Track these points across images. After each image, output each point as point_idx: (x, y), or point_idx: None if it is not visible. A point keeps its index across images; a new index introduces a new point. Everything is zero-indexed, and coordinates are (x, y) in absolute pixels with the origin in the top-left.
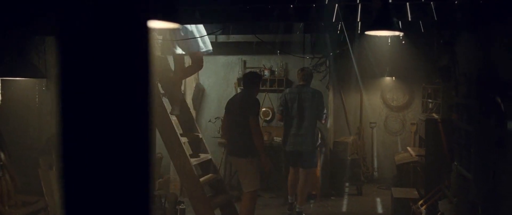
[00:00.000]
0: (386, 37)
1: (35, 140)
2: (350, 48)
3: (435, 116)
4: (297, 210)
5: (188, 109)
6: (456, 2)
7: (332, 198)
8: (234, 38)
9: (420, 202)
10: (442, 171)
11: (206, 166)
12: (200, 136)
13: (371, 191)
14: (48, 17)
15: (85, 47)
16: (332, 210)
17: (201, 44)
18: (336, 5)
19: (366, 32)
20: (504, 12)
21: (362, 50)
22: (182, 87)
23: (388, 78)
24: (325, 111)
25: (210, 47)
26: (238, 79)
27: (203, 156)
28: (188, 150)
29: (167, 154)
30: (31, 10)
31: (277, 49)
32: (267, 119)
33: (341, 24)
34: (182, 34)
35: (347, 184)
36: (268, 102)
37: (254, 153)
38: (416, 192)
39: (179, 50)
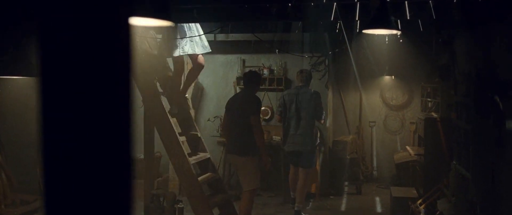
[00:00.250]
0: (385, 36)
1: (33, 138)
2: (348, 47)
3: (434, 115)
4: (295, 208)
5: (187, 107)
6: (454, 1)
7: (331, 197)
8: (233, 37)
9: (419, 201)
10: (441, 170)
11: (204, 165)
12: (199, 135)
13: (370, 190)
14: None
15: (66, 44)
16: (331, 209)
17: (200, 46)
18: (335, 4)
19: (364, 31)
20: (504, 11)
21: (361, 49)
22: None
23: (387, 77)
24: (324, 113)
25: (209, 48)
26: (237, 78)
27: (201, 155)
28: (186, 149)
29: (166, 153)
30: (30, 8)
31: (276, 48)
32: (266, 118)
33: (340, 23)
34: (179, 36)
35: (346, 183)
36: (267, 101)
37: (254, 151)
38: (415, 191)
39: (177, 52)
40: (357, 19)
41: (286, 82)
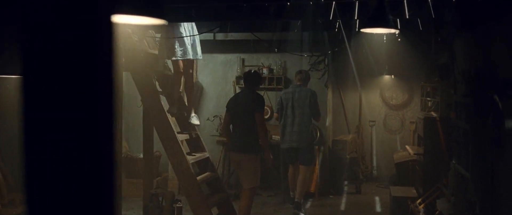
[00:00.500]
0: (384, 34)
1: None
2: (348, 46)
3: (434, 114)
4: (295, 200)
5: (186, 106)
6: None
7: (330, 196)
8: (232, 36)
9: (418, 200)
10: (440, 169)
11: (203, 165)
12: (198, 134)
13: (370, 190)
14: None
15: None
16: (331, 208)
17: (191, 52)
18: (334, 2)
19: (362, 30)
20: (503, 10)
21: (361, 49)
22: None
23: (387, 77)
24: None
25: (201, 56)
26: (237, 78)
27: (200, 154)
28: (185, 148)
29: (165, 152)
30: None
31: (275, 47)
32: (266, 117)
33: (339, 22)
34: (176, 40)
35: (346, 183)
36: (266, 101)
37: (257, 149)
38: (415, 191)
39: (174, 56)
40: (356, 18)
41: (285, 81)
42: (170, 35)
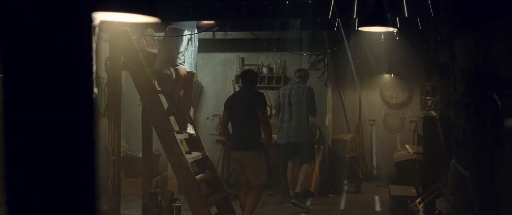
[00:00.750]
0: (385, 33)
1: None
2: (346, 45)
3: (433, 113)
4: (296, 190)
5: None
6: None
7: (330, 195)
8: (231, 35)
9: (418, 200)
10: (440, 169)
11: (202, 164)
12: (197, 133)
13: (369, 189)
14: None
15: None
16: (330, 207)
17: (188, 64)
18: (332, 1)
19: (360, 28)
20: (503, 9)
21: (361, 47)
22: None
23: (387, 76)
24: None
25: (195, 70)
26: (236, 77)
27: (199, 153)
28: (184, 147)
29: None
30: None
31: (274, 46)
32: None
33: (338, 21)
34: (177, 48)
35: (345, 182)
36: (266, 99)
37: (260, 146)
38: (414, 190)
39: (177, 63)
40: (355, 17)
41: (285, 80)
42: (172, 45)
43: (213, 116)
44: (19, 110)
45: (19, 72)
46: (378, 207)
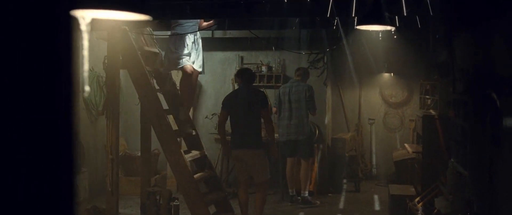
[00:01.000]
0: (384, 32)
1: None
2: (345, 44)
3: (433, 112)
4: (302, 195)
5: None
6: None
7: (329, 194)
8: (230, 34)
9: (417, 199)
10: (439, 168)
11: (201, 163)
12: (196, 132)
13: (369, 188)
14: None
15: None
16: (330, 206)
17: (195, 64)
18: (331, 0)
19: (357, 27)
20: (503, 7)
21: (360, 46)
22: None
23: (386, 75)
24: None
25: (203, 70)
26: (236, 76)
27: (198, 152)
28: (183, 146)
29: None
30: None
31: (273, 45)
32: None
33: (337, 20)
34: (181, 50)
35: (345, 181)
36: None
37: (262, 144)
38: (413, 189)
39: (179, 65)
40: (353, 15)
41: (284, 79)
42: (176, 49)
43: (212, 115)
44: None
45: None
46: (377, 206)
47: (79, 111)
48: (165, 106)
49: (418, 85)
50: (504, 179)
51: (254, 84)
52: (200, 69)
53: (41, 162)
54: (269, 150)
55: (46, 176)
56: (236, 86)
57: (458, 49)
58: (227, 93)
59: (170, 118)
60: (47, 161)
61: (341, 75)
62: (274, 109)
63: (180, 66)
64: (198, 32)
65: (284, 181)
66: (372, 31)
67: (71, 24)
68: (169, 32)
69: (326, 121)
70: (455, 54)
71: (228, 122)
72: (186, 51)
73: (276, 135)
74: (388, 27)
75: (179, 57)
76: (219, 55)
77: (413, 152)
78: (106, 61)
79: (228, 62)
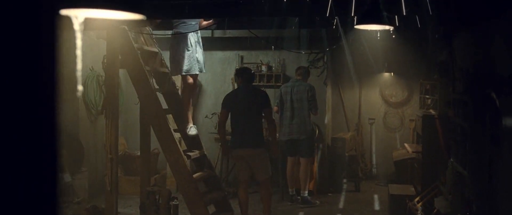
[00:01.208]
0: (382, 31)
1: None
2: (344, 43)
3: (433, 112)
4: (302, 195)
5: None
6: None
7: (329, 194)
8: (230, 33)
9: (417, 199)
10: (439, 168)
11: (200, 162)
12: (196, 132)
13: (369, 188)
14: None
15: None
16: (329, 206)
17: (197, 67)
18: None
19: (356, 26)
20: (503, 7)
21: (360, 46)
22: (178, 84)
23: (387, 74)
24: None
25: (204, 70)
26: (235, 75)
27: (198, 152)
28: (182, 146)
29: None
30: None
31: (272, 44)
32: None
33: (337, 19)
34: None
35: (344, 181)
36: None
37: (264, 143)
38: (413, 189)
39: (180, 71)
40: (352, 15)
41: (284, 78)
42: (177, 51)
43: (212, 114)
44: None
45: None
46: (377, 206)
47: (61, 111)
48: (164, 105)
49: (418, 85)
50: (503, 179)
51: (254, 83)
52: (199, 70)
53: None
54: (270, 149)
55: (28, 176)
56: (236, 86)
57: (458, 49)
58: (227, 93)
59: (170, 118)
60: (28, 161)
61: (341, 74)
62: (275, 108)
63: (184, 73)
64: (199, 32)
65: (283, 180)
66: (373, 30)
67: (55, 23)
68: (168, 32)
69: (326, 121)
70: (455, 54)
71: (228, 122)
72: (187, 53)
73: (277, 134)
74: (387, 27)
75: (181, 63)
76: (219, 54)
77: (413, 152)
78: (105, 60)
79: (228, 62)
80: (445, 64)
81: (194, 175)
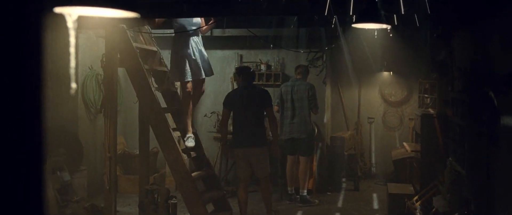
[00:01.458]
0: (382, 31)
1: None
2: (342, 42)
3: (431, 111)
4: (301, 194)
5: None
6: None
7: (328, 193)
8: (229, 32)
9: (415, 197)
10: (438, 167)
11: (199, 161)
12: (195, 131)
13: (367, 187)
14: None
15: None
16: (328, 205)
17: (202, 71)
18: None
19: (353, 25)
20: (501, 6)
21: (359, 45)
22: (177, 83)
23: (386, 73)
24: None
25: (212, 72)
26: (235, 74)
27: (196, 151)
28: (181, 145)
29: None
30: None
31: (271, 43)
32: None
33: (335, 18)
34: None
35: (344, 180)
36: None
37: (266, 141)
38: (412, 188)
39: (184, 78)
40: (351, 14)
41: (283, 77)
42: (179, 57)
43: (211, 113)
44: None
45: None
46: (376, 205)
47: (44, 110)
48: (163, 104)
49: (417, 84)
50: (501, 177)
51: (253, 82)
52: (203, 75)
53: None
54: (272, 149)
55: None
56: (235, 85)
57: (457, 48)
58: (227, 92)
59: (168, 116)
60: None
61: (340, 73)
62: (275, 108)
63: (185, 80)
64: (200, 36)
65: (282, 179)
66: (372, 29)
67: (41, 23)
68: (168, 31)
69: (325, 120)
70: (454, 53)
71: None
72: (187, 58)
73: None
74: (384, 26)
75: (182, 69)
76: (218, 53)
77: (411, 151)
78: (104, 59)
79: (227, 61)
80: (444, 63)
81: (193, 174)
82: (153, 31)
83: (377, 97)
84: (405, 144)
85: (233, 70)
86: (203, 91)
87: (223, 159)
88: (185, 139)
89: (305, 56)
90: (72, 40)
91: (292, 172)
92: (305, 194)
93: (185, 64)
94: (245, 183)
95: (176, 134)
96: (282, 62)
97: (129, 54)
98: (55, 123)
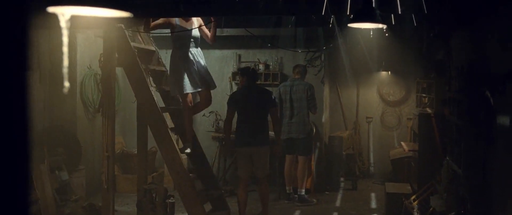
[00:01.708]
0: (378, 30)
1: None
2: (340, 42)
3: (429, 110)
4: (299, 193)
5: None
6: None
7: (326, 192)
8: (228, 32)
9: (413, 197)
10: (435, 166)
11: (197, 161)
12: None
13: (366, 186)
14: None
15: None
16: (327, 205)
17: (203, 83)
18: None
19: (349, 25)
20: (498, 5)
21: (357, 45)
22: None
23: (384, 73)
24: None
25: (214, 86)
26: (233, 74)
27: (195, 150)
28: (179, 144)
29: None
30: None
31: (269, 43)
32: None
33: (333, 18)
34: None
35: (342, 179)
36: None
37: (269, 141)
38: (410, 187)
39: (185, 90)
40: (348, 13)
41: (282, 77)
42: (177, 71)
43: (209, 113)
44: None
45: None
46: (373, 204)
47: (30, 110)
48: (161, 104)
49: (415, 83)
50: (497, 177)
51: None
52: (206, 86)
53: None
54: (274, 149)
55: None
56: (234, 84)
57: (455, 48)
58: (225, 92)
59: (166, 116)
60: None
61: (338, 73)
62: None
63: (184, 92)
64: (199, 48)
65: (281, 179)
66: (369, 29)
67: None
68: (166, 31)
69: (323, 119)
70: (452, 53)
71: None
72: (187, 72)
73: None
74: (380, 25)
75: (183, 79)
76: (216, 53)
77: (409, 150)
78: (102, 59)
79: (226, 61)
80: (442, 63)
81: (191, 173)
82: (151, 31)
83: (375, 97)
84: (403, 143)
85: (232, 70)
86: (210, 102)
87: (222, 158)
88: (183, 147)
89: (303, 56)
90: (65, 39)
91: (290, 171)
92: (303, 193)
93: (183, 77)
94: (245, 183)
95: (174, 133)
96: (280, 62)
97: (127, 54)
98: (53, 122)
